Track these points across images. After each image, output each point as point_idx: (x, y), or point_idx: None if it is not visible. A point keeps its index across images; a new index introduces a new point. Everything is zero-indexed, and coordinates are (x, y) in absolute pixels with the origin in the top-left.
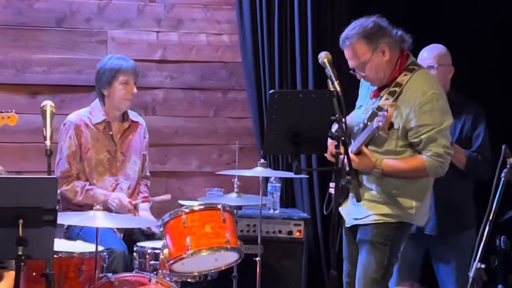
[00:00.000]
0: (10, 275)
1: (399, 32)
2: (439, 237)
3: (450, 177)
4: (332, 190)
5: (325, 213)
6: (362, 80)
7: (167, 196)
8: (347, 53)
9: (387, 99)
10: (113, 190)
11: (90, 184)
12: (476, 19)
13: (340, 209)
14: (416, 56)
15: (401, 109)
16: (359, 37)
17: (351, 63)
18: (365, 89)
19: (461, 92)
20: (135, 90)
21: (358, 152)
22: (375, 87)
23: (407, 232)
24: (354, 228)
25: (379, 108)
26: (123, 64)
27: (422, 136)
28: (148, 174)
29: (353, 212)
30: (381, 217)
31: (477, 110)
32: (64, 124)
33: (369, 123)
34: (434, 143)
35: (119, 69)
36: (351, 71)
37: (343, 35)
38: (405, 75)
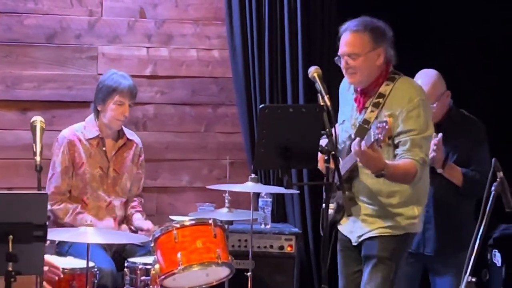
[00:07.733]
0: None
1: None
2: (438, 256)
3: (451, 198)
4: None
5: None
6: (341, 95)
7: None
8: (347, 38)
9: (372, 111)
10: (106, 208)
11: (84, 202)
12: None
13: (340, 227)
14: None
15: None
16: (366, 30)
17: (345, 50)
18: (345, 103)
19: (461, 107)
20: (127, 113)
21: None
22: (356, 104)
23: (411, 242)
24: (359, 245)
25: (365, 122)
26: (121, 84)
27: (408, 138)
28: (141, 192)
29: (356, 229)
30: (386, 229)
31: (477, 127)
32: (58, 140)
33: (357, 138)
34: (419, 149)
35: (116, 88)
36: (336, 58)
37: (349, 23)
38: (387, 84)
